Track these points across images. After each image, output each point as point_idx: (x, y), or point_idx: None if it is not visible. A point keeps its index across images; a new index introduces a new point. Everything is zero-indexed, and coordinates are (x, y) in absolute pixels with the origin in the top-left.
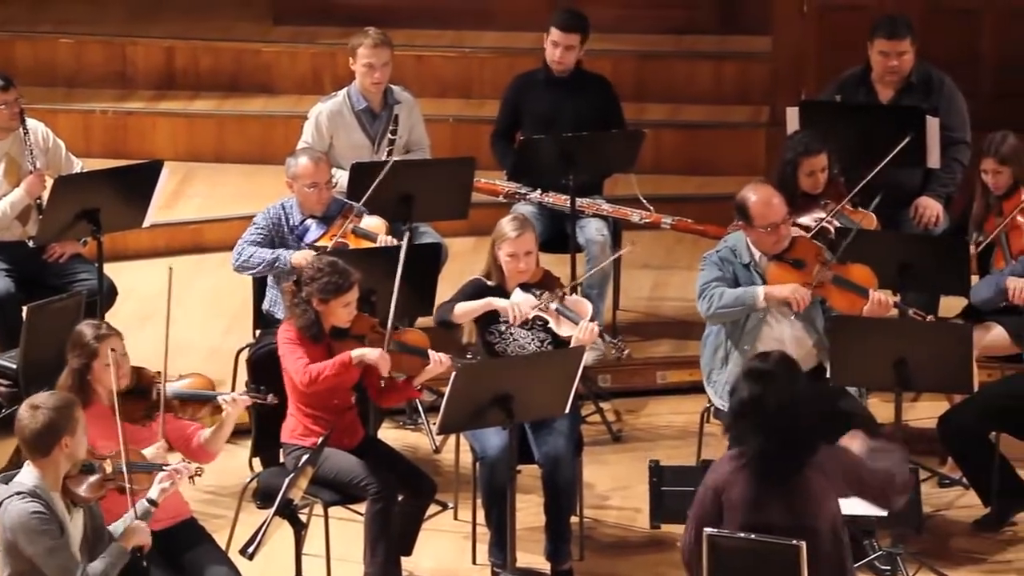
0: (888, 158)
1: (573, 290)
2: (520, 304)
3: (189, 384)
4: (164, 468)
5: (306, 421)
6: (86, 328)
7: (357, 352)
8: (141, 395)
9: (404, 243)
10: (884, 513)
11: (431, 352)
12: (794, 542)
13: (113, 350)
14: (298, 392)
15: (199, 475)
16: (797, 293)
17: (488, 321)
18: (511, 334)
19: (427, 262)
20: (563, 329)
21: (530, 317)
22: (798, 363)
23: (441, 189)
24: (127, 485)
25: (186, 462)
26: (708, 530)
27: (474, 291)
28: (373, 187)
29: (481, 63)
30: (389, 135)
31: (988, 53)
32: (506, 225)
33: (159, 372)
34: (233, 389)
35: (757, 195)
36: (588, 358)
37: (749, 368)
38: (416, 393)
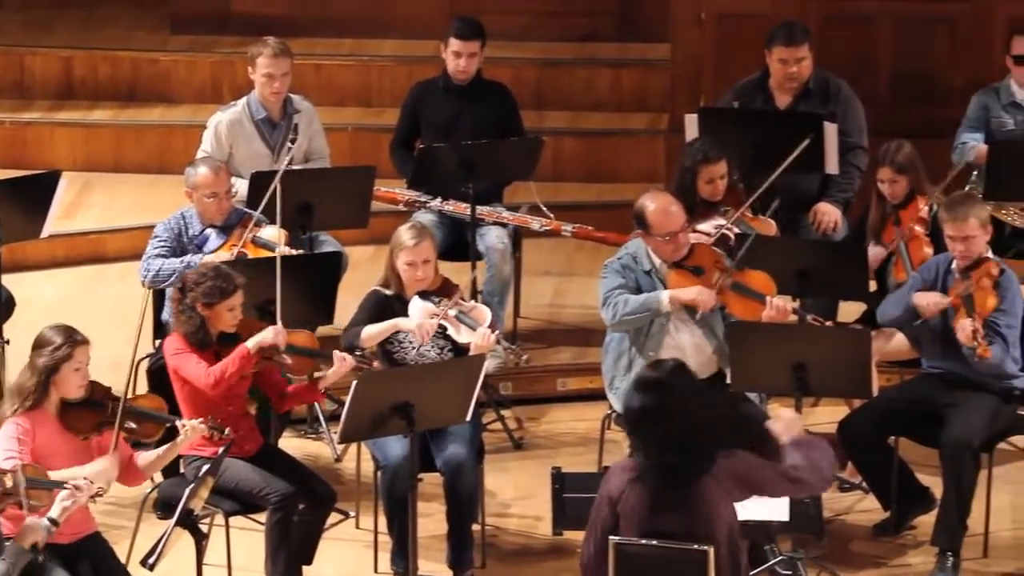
0: (788, 160)
1: (472, 294)
2: (425, 324)
3: (146, 404)
4: (65, 486)
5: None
6: (58, 331)
7: (252, 340)
8: (94, 407)
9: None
10: (786, 518)
11: (335, 352)
12: (701, 547)
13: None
14: (192, 403)
15: (101, 495)
16: (702, 295)
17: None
18: (410, 342)
19: (327, 271)
20: (462, 336)
21: (425, 341)
22: (692, 371)
23: (341, 198)
24: (25, 501)
25: (88, 480)
26: (613, 538)
27: (374, 306)
28: (268, 195)
29: (380, 71)
30: (288, 143)
31: (884, 59)
32: (404, 234)
33: (110, 387)
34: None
35: (655, 204)
36: (489, 366)
37: (643, 377)
38: (320, 396)
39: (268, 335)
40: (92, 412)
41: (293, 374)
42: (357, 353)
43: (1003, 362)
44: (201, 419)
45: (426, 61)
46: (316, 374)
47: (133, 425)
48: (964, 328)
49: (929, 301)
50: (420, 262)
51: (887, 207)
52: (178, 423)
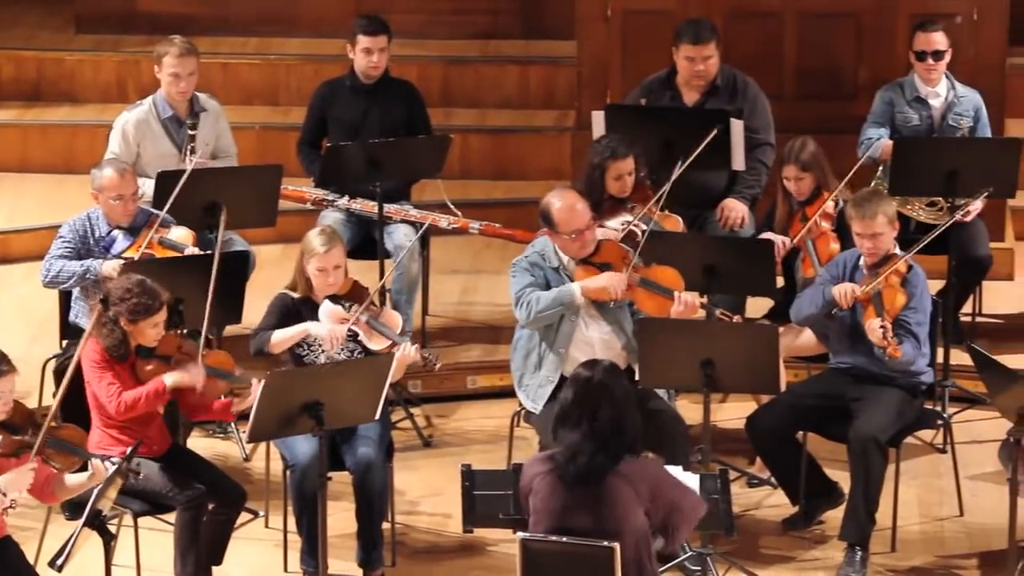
0: (695, 154)
1: (381, 295)
2: (336, 331)
3: (67, 435)
4: None
5: (111, 432)
6: None
7: (170, 379)
8: (12, 431)
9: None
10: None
11: (254, 381)
12: (607, 544)
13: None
14: (101, 410)
15: (13, 508)
16: (612, 281)
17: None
18: (319, 346)
19: (235, 271)
20: (373, 343)
21: (335, 349)
22: (623, 372)
23: (248, 197)
24: None
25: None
26: (521, 534)
27: (281, 310)
28: (175, 195)
29: (287, 70)
30: (189, 140)
31: (790, 55)
32: (314, 239)
33: (32, 411)
34: (40, 400)
35: (561, 201)
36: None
37: (576, 374)
38: (230, 417)
39: (186, 377)
40: (10, 436)
41: (207, 395)
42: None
43: (915, 360)
44: (115, 461)
45: (333, 60)
46: (231, 396)
47: (51, 451)
48: (874, 329)
49: (845, 290)
50: (331, 268)
51: (793, 203)
52: (92, 462)
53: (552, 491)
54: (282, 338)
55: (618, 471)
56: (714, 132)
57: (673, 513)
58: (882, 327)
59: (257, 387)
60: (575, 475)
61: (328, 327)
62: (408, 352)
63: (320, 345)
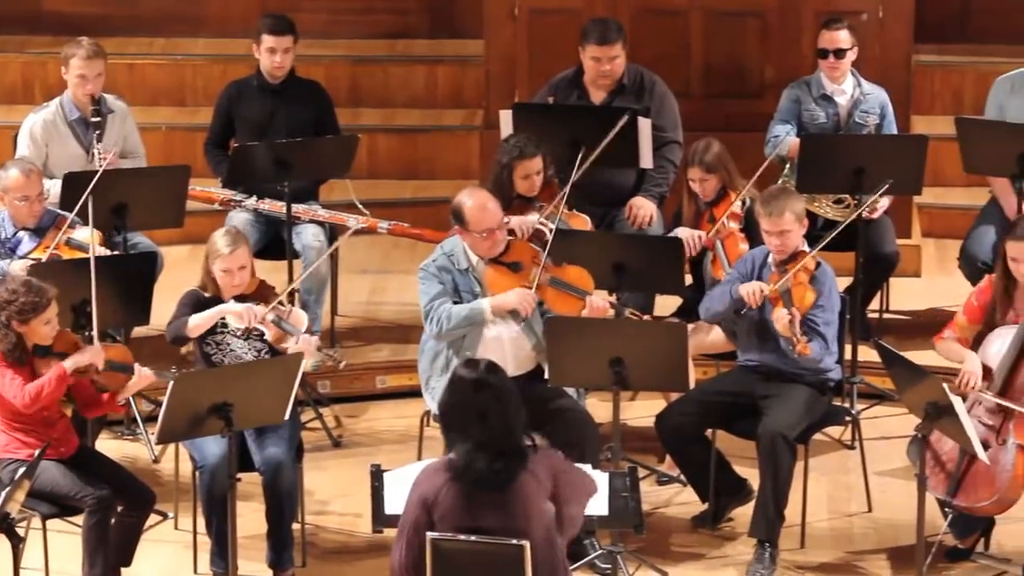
0: (602, 144)
1: (289, 295)
2: (254, 308)
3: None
4: None
5: (18, 435)
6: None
7: (70, 362)
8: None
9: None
10: (605, 512)
11: (136, 366)
12: (517, 542)
13: None
14: (7, 409)
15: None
16: (523, 300)
17: (205, 332)
18: (228, 344)
19: (142, 271)
20: (282, 342)
21: (252, 325)
22: (504, 369)
23: (156, 198)
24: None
25: None
26: (431, 534)
27: (194, 303)
28: (84, 197)
29: (194, 70)
30: (96, 140)
31: (697, 54)
32: (219, 240)
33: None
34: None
35: (472, 200)
36: (307, 364)
37: (457, 376)
38: (119, 408)
39: (85, 357)
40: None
41: (107, 388)
42: (171, 371)
43: (822, 359)
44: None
45: (240, 60)
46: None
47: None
48: (781, 318)
49: (753, 289)
50: (236, 269)
51: (701, 204)
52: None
53: (455, 498)
54: (199, 322)
55: (519, 468)
56: (624, 119)
57: (568, 494)
58: (789, 317)
59: (140, 372)
60: (477, 482)
61: (245, 305)
62: (311, 346)
63: (228, 343)
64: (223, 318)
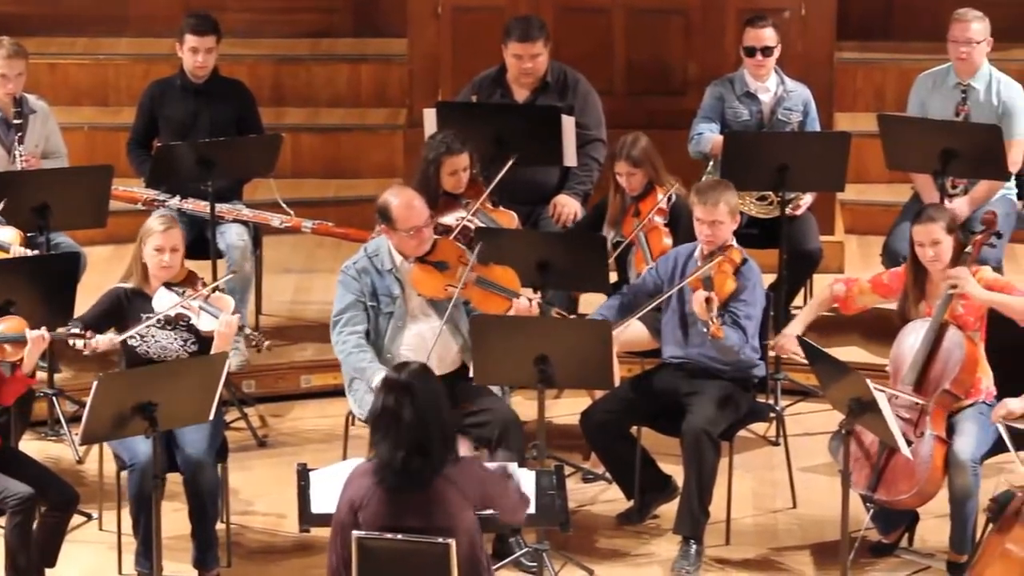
0: (499, 175)
1: (214, 288)
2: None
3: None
4: None
5: None
6: None
7: None
8: None
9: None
10: (531, 510)
11: (27, 332)
12: (443, 540)
13: None
14: None
15: None
16: None
17: (128, 324)
18: (152, 336)
19: (65, 272)
20: (204, 323)
21: (173, 314)
22: (434, 374)
23: (78, 198)
24: None
25: None
26: (357, 533)
27: (111, 301)
28: (6, 200)
29: (116, 70)
30: (17, 141)
31: (620, 51)
32: (153, 221)
33: None
34: None
35: (399, 199)
36: (232, 363)
37: (386, 379)
38: (31, 380)
39: None
40: None
41: (5, 359)
42: (68, 328)
43: (741, 350)
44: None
45: (163, 59)
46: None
47: None
48: (699, 299)
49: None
50: (168, 248)
51: (626, 199)
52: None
53: (380, 501)
54: (97, 343)
55: (443, 475)
56: (511, 162)
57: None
58: (706, 296)
59: (30, 336)
60: (395, 483)
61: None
62: (232, 324)
63: (153, 335)
64: (149, 301)
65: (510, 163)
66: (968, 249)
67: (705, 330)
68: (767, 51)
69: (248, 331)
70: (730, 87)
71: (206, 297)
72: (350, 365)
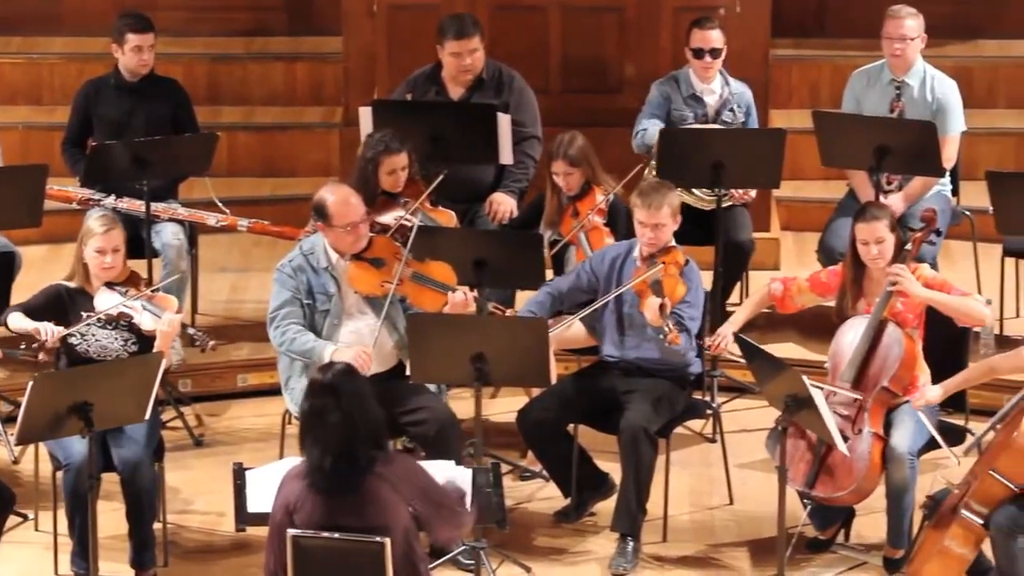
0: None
1: (155, 290)
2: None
3: None
4: None
5: None
6: None
7: None
8: None
9: None
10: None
11: None
12: (378, 539)
13: None
14: None
15: None
16: (359, 357)
17: (70, 321)
18: (93, 335)
19: (0, 271)
20: (146, 321)
21: (115, 313)
22: (361, 374)
23: (13, 197)
24: None
25: None
26: (292, 531)
27: (50, 295)
28: None
29: (51, 69)
30: None
31: (555, 49)
32: (94, 222)
33: None
34: None
35: (335, 195)
36: (171, 361)
37: (312, 381)
38: None
39: None
40: None
41: None
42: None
43: (686, 353)
44: None
45: (97, 58)
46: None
47: None
48: (652, 305)
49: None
50: (109, 249)
51: (563, 198)
52: None
53: (314, 503)
54: (17, 325)
55: (376, 473)
56: (441, 177)
57: (434, 514)
58: (661, 303)
59: None
60: (326, 486)
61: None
62: (175, 323)
63: (93, 334)
64: (92, 300)
65: (441, 177)
66: (908, 246)
67: (661, 336)
68: (715, 53)
69: (192, 331)
70: (676, 87)
71: (150, 298)
72: (296, 349)
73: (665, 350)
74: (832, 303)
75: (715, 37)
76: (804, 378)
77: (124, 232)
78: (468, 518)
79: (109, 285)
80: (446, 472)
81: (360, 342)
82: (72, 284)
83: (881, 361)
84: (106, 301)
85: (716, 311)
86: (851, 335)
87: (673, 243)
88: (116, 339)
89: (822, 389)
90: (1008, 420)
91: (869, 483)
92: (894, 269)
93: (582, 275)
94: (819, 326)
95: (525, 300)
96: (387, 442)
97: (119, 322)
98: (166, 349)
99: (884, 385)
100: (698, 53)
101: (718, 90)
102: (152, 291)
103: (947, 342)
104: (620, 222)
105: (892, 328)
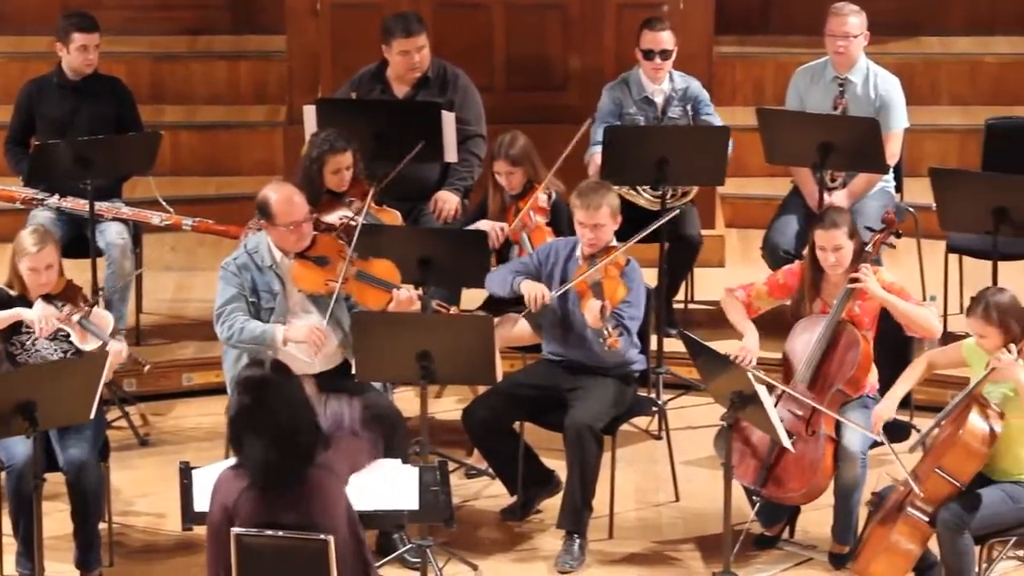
0: (405, 160)
1: (95, 293)
2: (47, 316)
3: None
4: None
5: None
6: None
7: None
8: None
9: None
10: (415, 506)
11: None
12: (322, 537)
13: None
14: None
15: None
16: (312, 335)
17: (10, 332)
18: (34, 345)
19: None
20: (87, 343)
21: (50, 330)
22: (288, 368)
23: None
24: None
25: None
26: (235, 530)
27: None
28: None
29: None
30: None
31: (499, 46)
32: (26, 239)
33: None
34: None
35: (278, 194)
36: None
37: (242, 377)
38: None
39: None
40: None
41: None
42: None
43: (626, 353)
44: None
45: (39, 57)
46: None
47: None
48: (592, 308)
49: (536, 294)
50: (42, 268)
51: (506, 196)
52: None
53: (254, 502)
54: None
55: (316, 464)
56: (419, 146)
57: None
58: (601, 306)
59: None
60: (267, 484)
61: (40, 310)
62: (121, 354)
63: (34, 344)
64: (31, 308)
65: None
66: (868, 248)
67: (601, 340)
68: (665, 54)
69: (132, 356)
70: (627, 91)
71: (87, 313)
72: (246, 338)
73: (604, 352)
74: (788, 302)
75: (666, 39)
76: (749, 374)
77: (58, 245)
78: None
79: (47, 298)
80: (391, 472)
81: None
82: (13, 292)
83: (838, 362)
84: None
85: (661, 308)
86: (807, 335)
87: (614, 243)
88: (56, 351)
89: (774, 390)
90: (953, 417)
91: (821, 483)
92: (859, 269)
93: (529, 265)
94: (770, 323)
95: (472, 299)
96: (323, 431)
97: (58, 335)
98: (108, 376)
99: (839, 387)
100: (648, 55)
101: (667, 90)
102: (88, 307)
103: (895, 344)
104: (563, 222)
105: (850, 330)
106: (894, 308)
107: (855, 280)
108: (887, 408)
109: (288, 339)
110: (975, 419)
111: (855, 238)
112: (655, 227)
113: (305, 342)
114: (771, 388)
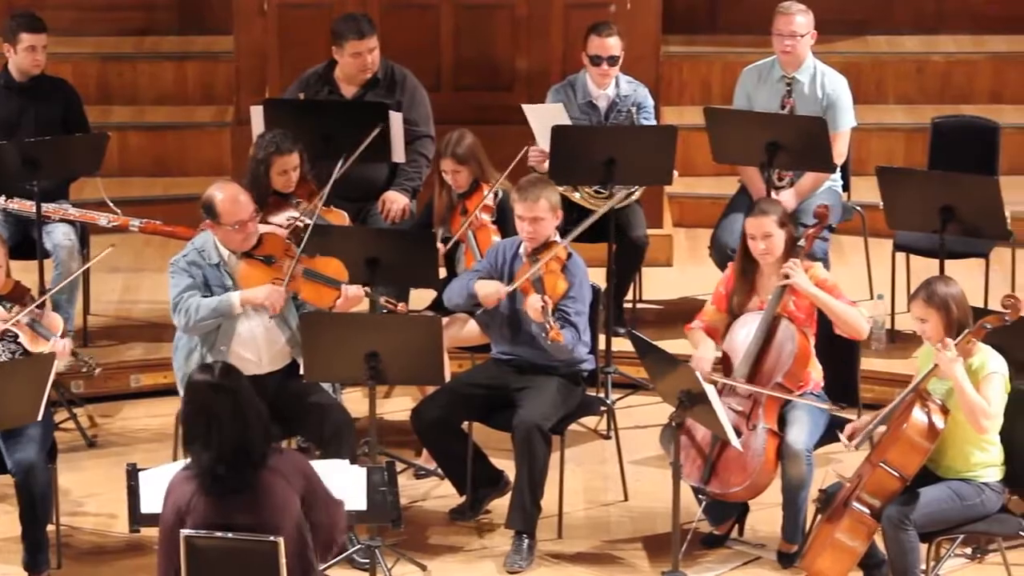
0: (358, 151)
1: (43, 303)
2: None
3: None
4: None
5: None
6: None
7: None
8: None
9: None
10: (363, 507)
11: None
12: (272, 538)
13: None
14: None
15: None
16: (272, 297)
17: None
18: None
19: None
20: (36, 345)
21: (3, 328)
22: (239, 370)
23: None
24: None
25: None
26: (184, 531)
27: None
28: None
29: None
30: None
31: (447, 46)
32: None
33: None
34: None
35: (223, 193)
36: (60, 365)
37: (192, 380)
38: None
39: None
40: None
41: None
42: None
43: (575, 348)
44: None
45: None
46: None
47: None
48: (534, 304)
49: (489, 291)
50: None
51: (453, 195)
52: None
53: (206, 504)
54: None
55: (267, 467)
56: (377, 129)
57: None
58: (542, 303)
59: None
60: (218, 488)
61: None
62: (65, 351)
63: None
64: None
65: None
66: (801, 243)
67: (544, 334)
68: (612, 60)
69: (80, 357)
70: (572, 94)
71: (37, 315)
72: (204, 315)
73: (549, 346)
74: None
75: (613, 44)
76: (697, 373)
77: (5, 247)
78: (343, 525)
79: None
80: (339, 472)
81: (255, 341)
82: None
83: (775, 357)
84: None
85: (611, 309)
86: (744, 331)
87: (556, 238)
88: (3, 352)
89: (717, 383)
90: (898, 413)
91: (764, 478)
92: (788, 263)
93: (483, 271)
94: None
95: (422, 299)
96: (273, 435)
97: (5, 336)
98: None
99: (778, 381)
100: (595, 60)
101: (612, 94)
102: (37, 307)
103: (842, 342)
104: (509, 220)
105: (786, 324)
106: (823, 305)
107: (785, 275)
108: (863, 421)
109: (245, 301)
110: (918, 414)
111: (786, 228)
112: (594, 219)
113: (265, 303)
114: (716, 384)
